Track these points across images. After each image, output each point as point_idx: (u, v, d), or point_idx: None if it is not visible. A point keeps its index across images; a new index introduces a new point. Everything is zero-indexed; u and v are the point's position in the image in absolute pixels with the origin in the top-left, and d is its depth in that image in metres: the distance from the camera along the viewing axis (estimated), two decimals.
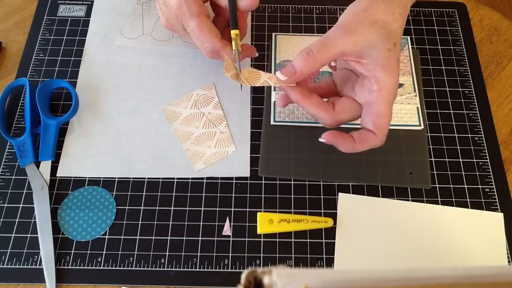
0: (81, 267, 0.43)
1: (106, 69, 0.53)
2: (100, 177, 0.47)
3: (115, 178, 0.47)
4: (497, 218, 0.45)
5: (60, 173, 0.47)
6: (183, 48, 0.55)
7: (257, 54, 0.49)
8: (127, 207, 0.45)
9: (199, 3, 0.44)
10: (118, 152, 0.48)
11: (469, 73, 0.54)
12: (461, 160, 0.48)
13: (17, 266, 0.43)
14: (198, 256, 0.43)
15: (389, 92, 0.38)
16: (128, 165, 0.47)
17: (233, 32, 0.44)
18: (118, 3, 0.58)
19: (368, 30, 0.37)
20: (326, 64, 0.39)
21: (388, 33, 0.38)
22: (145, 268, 0.43)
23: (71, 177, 0.47)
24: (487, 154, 0.49)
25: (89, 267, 0.43)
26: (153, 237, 0.44)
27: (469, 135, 0.50)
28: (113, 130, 0.49)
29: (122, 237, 0.44)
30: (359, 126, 0.49)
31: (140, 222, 0.45)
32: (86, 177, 0.47)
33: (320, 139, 0.40)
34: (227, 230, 0.45)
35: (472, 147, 0.49)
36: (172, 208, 0.46)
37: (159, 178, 0.47)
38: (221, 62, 0.53)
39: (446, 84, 0.53)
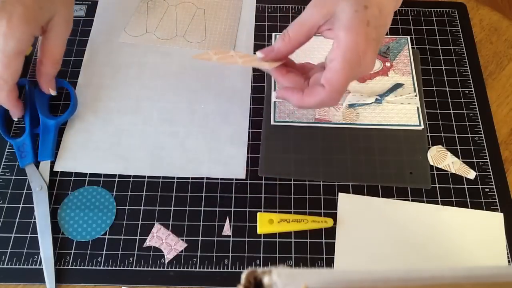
0: (81, 267, 0.43)
1: (107, 66, 0.53)
2: (100, 175, 0.47)
3: (114, 176, 0.47)
4: (497, 218, 0.45)
5: (58, 167, 0.47)
6: (185, 48, 0.55)
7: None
8: (127, 207, 0.45)
9: None
10: (116, 149, 0.48)
11: (469, 73, 0.54)
12: (461, 160, 0.48)
13: (17, 266, 0.43)
14: (198, 256, 0.43)
15: (348, 50, 0.36)
16: (126, 163, 0.47)
17: None
18: (123, 0, 0.58)
19: (337, 1, 0.37)
20: (303, 42, 0.40)
21: None
22: (145, 268, 0.43)
23: (71, 172, 0.47)
24: (487, 154, 0.48)
25: (89, 267, 0.43)
26: None
27: (469, 135, 0.50)
28: (113, 128, 0.49)
29: (122, 237, 0.44)
30: (361, 126, 0.48)
31: (140, 222, 0.45)
32: (86, 173, 0.47)
33: (274, 99, 0.45)
34: (227, 230, 0.45)
35: (472, 147, 0.49)
36: (172, 208, 0.46)
37: (159, 178, 0.47)
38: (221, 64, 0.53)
39: (446, 84, 0.53)
